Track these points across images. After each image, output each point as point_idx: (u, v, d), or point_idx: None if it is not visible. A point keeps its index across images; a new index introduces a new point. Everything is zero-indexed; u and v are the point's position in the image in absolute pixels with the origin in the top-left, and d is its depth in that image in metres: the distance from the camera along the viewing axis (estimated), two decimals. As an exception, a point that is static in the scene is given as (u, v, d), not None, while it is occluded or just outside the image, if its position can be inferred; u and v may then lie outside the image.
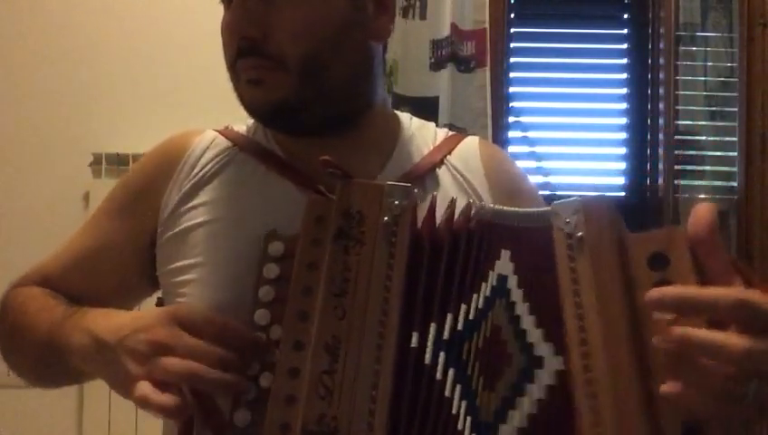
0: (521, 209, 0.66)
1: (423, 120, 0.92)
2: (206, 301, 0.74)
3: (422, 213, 0.66)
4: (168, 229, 0.80)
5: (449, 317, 0.61)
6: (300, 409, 0.59)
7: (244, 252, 0.72)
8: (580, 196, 0.62)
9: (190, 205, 0.80)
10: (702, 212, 0.55)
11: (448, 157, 0.85)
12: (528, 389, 0.59)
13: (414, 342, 0.61)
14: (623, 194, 2.20)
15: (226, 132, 0.86)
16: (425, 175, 0.82)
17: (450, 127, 1.77)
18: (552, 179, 2.17)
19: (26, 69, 2.06)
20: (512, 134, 2.19)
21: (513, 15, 2.20)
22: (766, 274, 2.01)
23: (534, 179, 1.97)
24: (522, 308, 0.61)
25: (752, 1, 2.07)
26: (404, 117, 0.90)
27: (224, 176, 0.81)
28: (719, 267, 0.55)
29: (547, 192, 2.09)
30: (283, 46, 0.75)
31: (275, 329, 0.64)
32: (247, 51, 0.76)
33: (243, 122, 0.88)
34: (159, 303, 0.84)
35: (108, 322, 0.69)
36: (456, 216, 0.66)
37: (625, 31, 2.24)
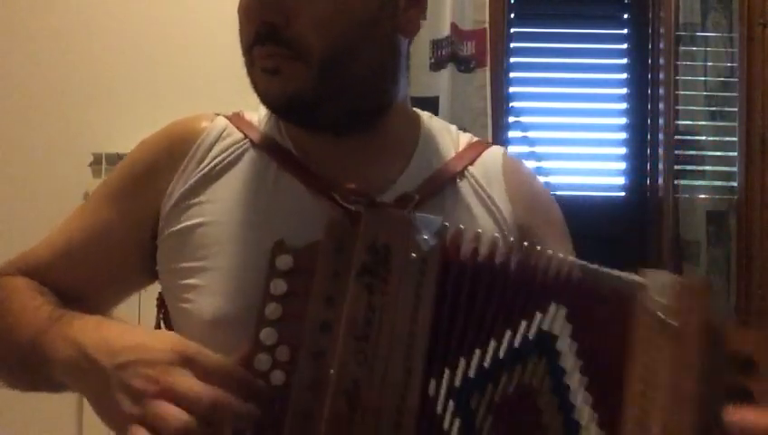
0: (601, 268, 0.58)
1: (444, 122, 0.87)
2: (209, 312, 0.71)
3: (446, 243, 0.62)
4: (171, 223, 0.75)
5: (462, 362, 0.57)
6: None
7: (252, 260, 0.69)
8: (678, 276, 0.54)
9: (197, 200, 0.75)
10: None
11: (470, 167, 0.80)
12: None
13: (431, 390, 0.57)
14: (623, 194, 2.20)
15: (238, 122, 0.80)
16: (444, 185, 0.77)
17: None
18: (552, 179, 2.17)
19: (26, 69, 2.06)
20: (512, 134, 2.19)
21: (513, 15, 2.20)
22: (766, 274, 2.01)
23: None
24: (575, 381, 0.55)
25: (752, 1, 2.07)
26: (424, 116, 0.85)
27: (234, 172, 0.76)
28: None
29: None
30: (306, 35, 0.69)
31: (282, 350, 0.60)
32: (266, 37, 0.70)
33: (247, 111, 0.84)
34: (160, 299, 0.80)
35: (100, 338, 0.63)
36: (496, 253, 0.61)
37: (625, 31, 2.24)
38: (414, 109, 0.85)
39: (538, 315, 0.57)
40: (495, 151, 0.85)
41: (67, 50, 2.06)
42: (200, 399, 0.56)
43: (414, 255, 0.59)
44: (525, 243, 0.62)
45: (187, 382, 0.57)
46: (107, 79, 2.05)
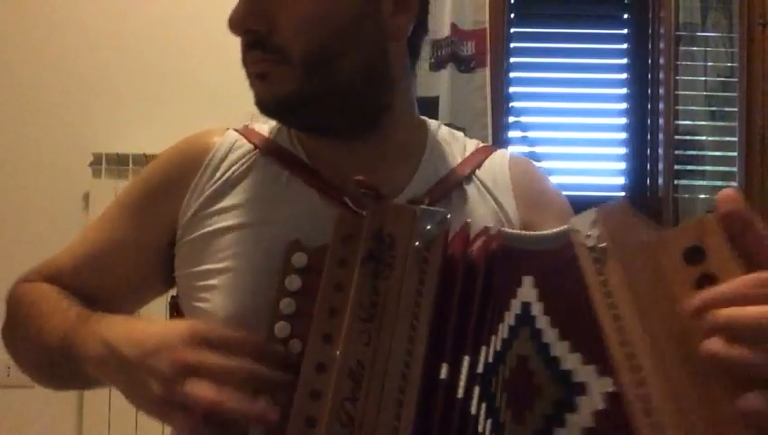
0: (537, 232, 0.63)
1: (453, 130, 0.89)
2: (225, 309, 0.73)
3: (452, 236, 0.64)
4: (189, 232, 0.78)
5: (483, 350, 0.59)
6: (320, 432, 0.58)
7: (266, 261, 0.71)
8: (595, 207, 0.59)
9: (214, 209, 0.78)
10: (728, 194, 0.52)
11: (477, 171, 0.83)
12: (569, 419, 0.54)
13: (444, 374, 0.59)
14: (623, 194, 2.20)
15: (248, 133, 0.84)
16: (452, 189, 0.80)
17: (450, 127, 1.78)
18: (552, 179, 2.16)
19: (26, 69, 2.06)
20: (512, 134, 2.19)
21: (513, 15, 2.20)
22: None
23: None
24: (550, 336, 0.57)
25: (752, 1, 2.07)
26: (432, 124, 0.87)
27: (247, 181, 0.79)
28: (759, 248, 0.51)
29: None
30: (288, 39, 0.73)
31: (295, 343, 0.63)
32: (253, 44, 0.75)
33: (243, 122, 0.87)
34: (173, 302, 0.83)
35: (126, 332, 0.66)
36: (490, 241, 0.63)
37: (625, 31, 2.24)
38: (422, 117, 0.87)
39: (519, 291, 0.60)
40: (502, 154, 0.87)
41: (67, 50, 2.06)
42: (225, 371, 0.59)
43: (417, 243, 0.62)
44: (505, 229, 0.65)
45: (209, 358, 0.60)
46: (107, 79, 2.05)
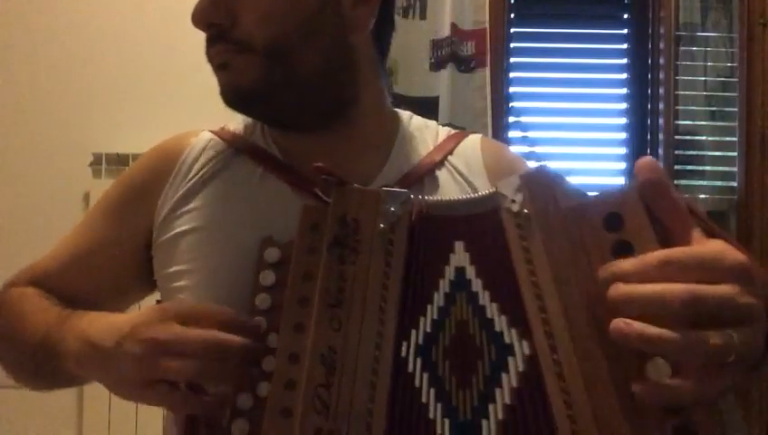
0: (464, 197, 0.64)
1: (425, 120, 0.90)
2: None
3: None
4: (162, 233, 0.79)
5: (422, 320, 0.60)
6: (296, 422, 0.58)
7: (239, 259, 0.71)
8: (522, 173, 0.60)
9: (185, 209, 0.78)
10: (646, 163, 0.53)
11: (449, 157, 0.83)
12: (503, 379, 0.56)
13: (404, 351, 0.59)
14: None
15: (222, 133, 0.84)
16: (424, 176, 0.80)
17: (450, 127, 1.78)
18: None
19: (26, 69, 2.06)
20: (512, 134, 2.19)
21: (513, 15, 2.20)
22: (766, 273, 2.00)
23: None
24: (484, 297, 0.59)
25: (752, 1, 2.07)
26: (404, 115, 0.88)
27: (220, 180, 0.80)
28: (674, 216, 0.53)
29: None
30: (250, 30, 0.74)
31: (272, 337, 0.63)
32: (216, 38, 0.76)
33: (241, 121, 0.87)
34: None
35: (103, 325, 0.67)
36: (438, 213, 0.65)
37: (625, 31, 2.24)
38: (395, 109, 0.88)
39: (452, 257, 0.61)
40: (474, 139, 0.88)
41: (67, 50, 2.06)
42: (196, 342, 0.60)
43: (382, 225, 0.62)
44: (430, 197, 0.66)
45: (179, 332, 0.61)
46: (107, 79, 2.05)
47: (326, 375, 0.58)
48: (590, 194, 0.58)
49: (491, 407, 0.57)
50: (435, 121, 0.90)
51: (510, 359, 0.57)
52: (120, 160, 1.96)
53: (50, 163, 2.02)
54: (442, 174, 0.81)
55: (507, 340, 0.57)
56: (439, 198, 0.65)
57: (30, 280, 0.83)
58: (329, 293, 0.61)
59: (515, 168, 0.87)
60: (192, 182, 0.80)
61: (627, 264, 0.50)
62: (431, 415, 0.57)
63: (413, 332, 0.60)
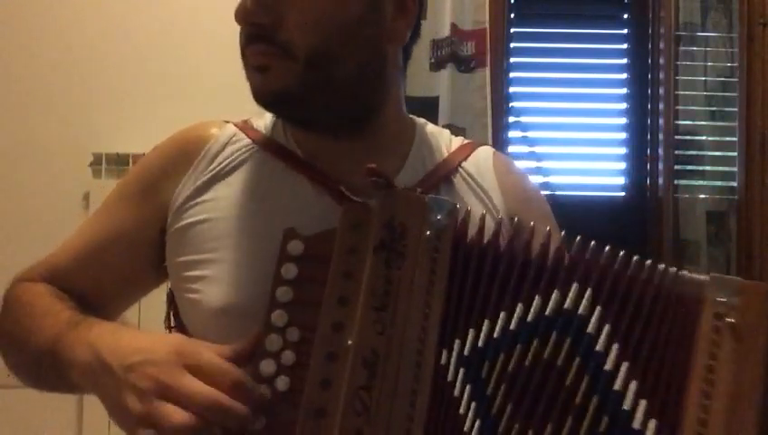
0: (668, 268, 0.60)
1: (438, 127, 0.91)
2: (219, 300, 0.73)
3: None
4: (178, 220, 0.79)
5: (471, 333, 0.59)
6: (333, 422, 0.58)
7: (261, 251, 0.71)
8: (742, 280, 0.56)
9: (204, 198, 0.79)
10: None
11: (463, 163, 0.84)
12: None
13: (444, 359, 0.59)
14: (623, 194, 2.20)
15: (246, 128, 0.85)
16: (440, 181, 0.81)
17: (450, 127, 1.78)
18: (552, 179, 2.17)
19: (27, 69, 2.06)
20: (512, 134, 2.19)
21: (513, 15, 2.20)
22: (766, 274, 2.01)
23: (534, 179, 1.98)
24: (611, 362, 0.56)
25: (752, 1, 2.07)
26: (419, 122, 0.89)
27: (241, 172, 0.80)
28: None
29: (547, 192, 2.09)
30: (293, 35, 0.74)
31: (292, 331, 0.63)
32: (256, 37, 0.75)
33: (254, 118, 0.87)
34: (170, 296, 0.83)
35: (114, 343, 0.67)
36: (500, 232, 0.64)
37: (625, 31, 2.24)
38: (410, 115, 0.89)
39: (555, 293, 0.59)
40: (486, 150, 0.90)
41: (67, 50, 2.06)
42: (195, 397, 0.59)
43: (428, 232, 0.62)
44: (531, 223, 0.65)
45: (188, 384, 0.60)
46: (107, 79, 2.05)
47: (367, 378, 0.58)
48: None
49: None
50: (447, 130, 0.92)
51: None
52: (120, 160, 1.96)
53: (50, 163, 2.02)
54: (457, 180, 0.83)
55: (636, 425, 0.54)
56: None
57: (44, 274, 0.83)
58: (374, 295, 0.61)
59: (525, 185, 0.89)
60: (213, 173, 0.80)
61: None
62: (466, 428, 0.57)
63: (456, 341, 0.59)
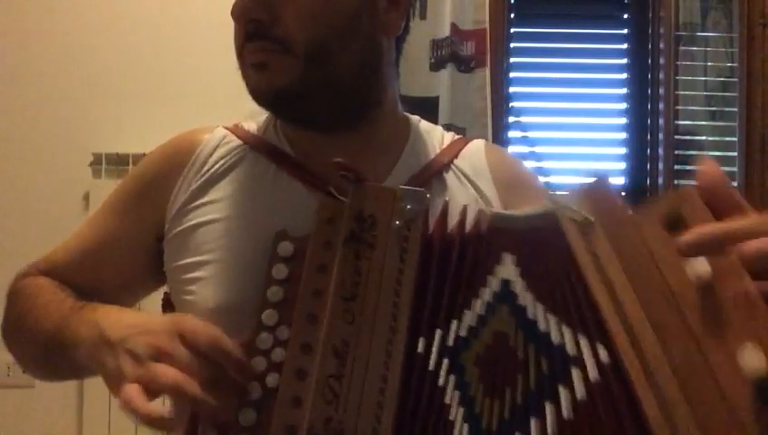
0: (523, 211, 0.64)
1: (431, 124, 0.92)
2: (213, 300, 0.74)
3: (433, 218, 0.66)
4: (176, 225, 0.79)
5: (454, 323, 0.60)
6: (306, 411, 0.59)
7: (253, 252, 0.72)
8: (577, 186, 0.60)
9: (200, 202, 0.79)
10: (706, 164, 0.53)
11: (455, 160, 0.85)
12: (562, 392, 0.54)
13: (420, 347, 0.60)
14: (623, 194, 2.20)
15: (237, 130, 0.85)
16: (432, 178, 0.82)
17: (450, 127, 1.78)
18: (552, 179, 2.17)
19: (27, 69, 2.06)
20: (512, 134, 2.19)
21: (513, 15, 2.20)
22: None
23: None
24: (536, 311, 0.58)
25: (752, 1, 2.07)
26: (413, 119, 0.90)
27: (234, 174, 0.81)
28: (738, 213, 0.52)
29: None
30: (290, 30, 0.74)
31: (283, 330, 0.64)
32: (254, 34, 0.75)
33: (245, 121, 0.87)
34: (166, 298, 0.83)
35: (117, 320, 0.68)
36: (466, 222, 0.65)
37: (625, 31, 2.24)
38: (405, 113, 0.90)
39: (498, 268, 0.61)
40: (478, 143, 0.90)
41: (67, 50, 2.06)
42: (189, 363, 0.61)
43: (398, 222, 0.63)
44: (491, 208, 0.67)
45: (182, 350, 0.62)
46: (107, 79, 2.05)
47: (338, 366, 0.59)
48: (644, 202, 0.57)
49: (533, 421, 0.55)
50: (440, 127, 0.93)
51: (573, 370, 0.54)
52: (120, 160, 1.96)
53: (50, 163, 2.02)
54: (449, 176, 0.83)
55: (570, 351, 0.55)
56: (498, 211, 0.66)
57: (43, 270, 0.84)
58: (344, 286, 0.62)
59: (519, 171, 0.90)
60: (206, 177, 0.80)
61: (708, 227, 0.49)
62: (452, 416, 0.58)
63: (438, 331, 0.60)
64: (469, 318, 0.60)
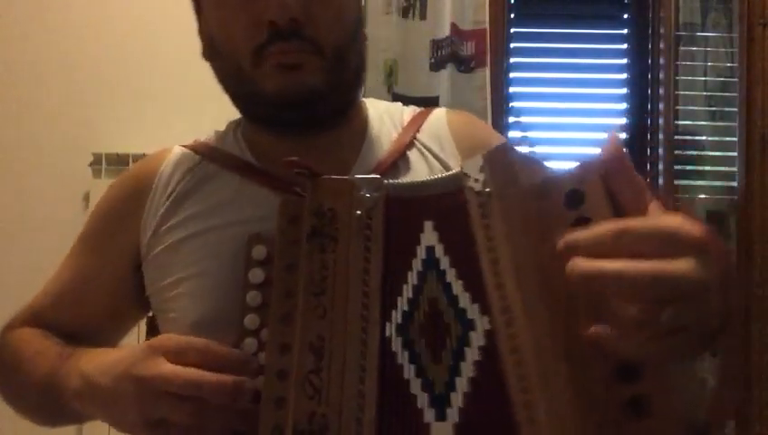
0: (429, 178, 0.66)
1: (389, 103, 0.91)
2: (194, 314, 0.74)
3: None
4: (151, 250, 0.79)
5: (399, 300, 0.61)
6: (289, 409, 0.59)
7: (228, 262, 0.72)
8: (485, 152, 0.61)
9: (171, 223, 0.79)
10: (609, 142, 0.53)
11: (417, 135, 0.83)
12: (467, 353, 0.58)
13: (387, 331, 0.61)
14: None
15: (194, 146, 0.85)
16: (397, 160, 0.80)
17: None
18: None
19: (27, 69, 2.06)
20: (512, 134, 2.19)
21: (513, 15, 2.20)
22: (766, 274, 2.01)
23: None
24: (451, 275, 0.60)
25: (752, 1, 2.07)
26: (370, 103, 0.89)
27: (200, 191, 0.80)
28: (633, 192, 0.53)
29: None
30: (320, 30, 0.75)
31: (266, 332, 0.64)
32: (290, 33, 0.73)
33: (210, 131, 0.87)
34: (150, 322, 0.84)
35: (99, 363, 0.68)
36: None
37: (625, 31, 2.24)
38: (361, 99, 0.89)
39: (422, 236, 0.63)
40: (439, 113, 0.88)
41: (68, 50, 2.06)
42: (176, 378, 0.61)
43: (358, 212, 0.63)
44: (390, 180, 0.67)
45: (162, 368, 0.62)
46: (107, 79, 2.05)
47: (316, 362, 0.60)
48: (555, 171, 0.59)
49: (458, 380, 0.58)
50: (400, 103, 0.91)
51: (472, 334, 0.58)
52: (120, 160, 1.96)
53: (50, 163, 2.02)
54: (412, 154, 0.82)
55: (470, 316, 0.59)
56: (406, 180, 0.67)
57: (28, 319, 0.84)
58: (312, 282, 0.62)
59: (484, 134, 0.89)
60: (172, 198, 0.80)
61: (582, 234, 0.50)
62: (413, 390, 0.59)
63: (393, 312, 0.61)
64: (409, 290, 0.62)
